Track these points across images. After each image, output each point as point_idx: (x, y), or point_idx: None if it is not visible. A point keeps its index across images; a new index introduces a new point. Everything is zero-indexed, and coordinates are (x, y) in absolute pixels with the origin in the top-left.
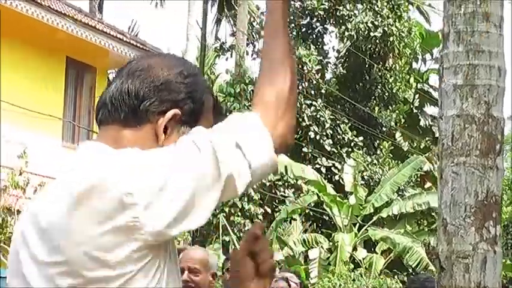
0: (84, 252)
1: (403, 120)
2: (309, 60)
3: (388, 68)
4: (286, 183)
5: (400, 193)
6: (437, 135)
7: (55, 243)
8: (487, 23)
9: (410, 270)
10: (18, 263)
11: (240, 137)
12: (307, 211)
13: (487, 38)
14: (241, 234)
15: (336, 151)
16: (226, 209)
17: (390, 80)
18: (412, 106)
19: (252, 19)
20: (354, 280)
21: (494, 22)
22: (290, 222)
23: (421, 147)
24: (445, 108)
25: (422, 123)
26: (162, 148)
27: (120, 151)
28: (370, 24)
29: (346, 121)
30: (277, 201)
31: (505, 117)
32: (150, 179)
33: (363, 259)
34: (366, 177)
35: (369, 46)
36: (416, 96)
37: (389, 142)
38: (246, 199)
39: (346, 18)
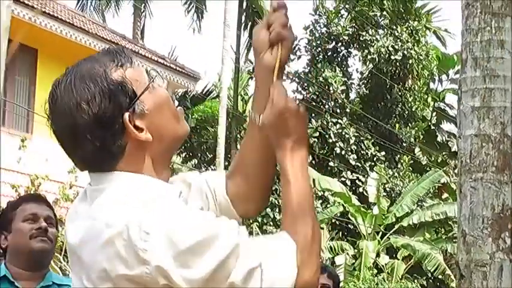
0: None
1: (421, 136)
2: (335, 81)
3: (407, 88)
4: (314, 195)
5: (419, 204)
6: (453, 149)
7: (89, 274)
8: (502, 50)
9: (429, 274)
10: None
11: (268, 261)
12: (333, 220)
13: (502, 64)
14: None
15: (360, 165)
16: (259, 219)
17: (409, 99)
18: (429, 123)
19: None
20: (377, 284)
21: (509, 49)
22: None
23: (439, 161)
24: (463, 128)
25: (439, 139)
26: (197, 216)
27: (153, 195)
28: (390, 48)
29: (369, 137)
30: None
31: None
32: (169, 245)
33: (386, 265)
34: (387, 189)
35: (390, 68)
36: (434, 114)
37: (409, 156)
38: (277, 209)
39: (369, 42)
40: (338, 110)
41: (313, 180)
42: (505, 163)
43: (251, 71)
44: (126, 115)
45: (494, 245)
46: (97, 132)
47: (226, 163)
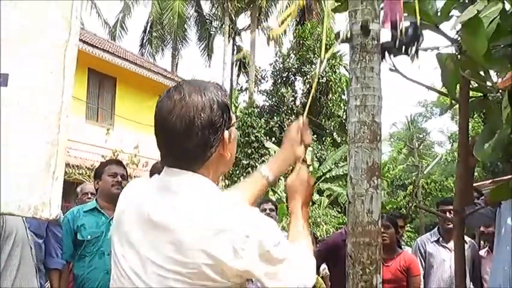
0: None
1: (337, 126)
2: (287, 95)
3: (329, 99)
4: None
5: (336, 164)
6: None
7: (183, 249)
8: (372, 72)
9: (342, 205)
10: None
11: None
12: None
13: (372, 80)
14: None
15: None
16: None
17: (330, 105)
18: (342, 119)
19: (256, 73)
20: (312, 211)
21: (376, 72)
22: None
23: (347, 140)
24: (351, 118)
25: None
26: (253, 217)
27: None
28: (319, 76)
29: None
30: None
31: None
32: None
33: (317, 200)
34: (317, 156)
35: (319, 87)
36: (344, 113)
37: (330, 137)
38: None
39: (307, 71)
40: (289, 111)
41: (274, 151)
42: (373, 137)
43: (239, 89)
44: (227, 132)
45: (368, 184)
46: (206, 134)
47: None
